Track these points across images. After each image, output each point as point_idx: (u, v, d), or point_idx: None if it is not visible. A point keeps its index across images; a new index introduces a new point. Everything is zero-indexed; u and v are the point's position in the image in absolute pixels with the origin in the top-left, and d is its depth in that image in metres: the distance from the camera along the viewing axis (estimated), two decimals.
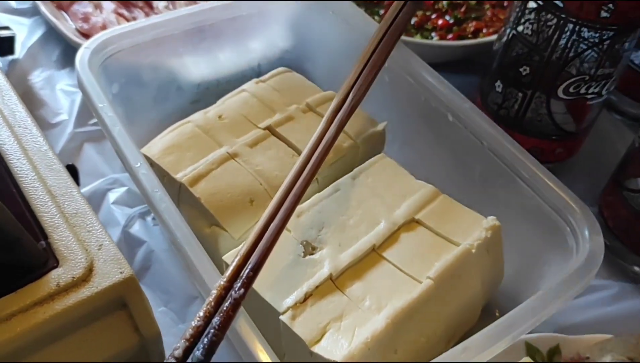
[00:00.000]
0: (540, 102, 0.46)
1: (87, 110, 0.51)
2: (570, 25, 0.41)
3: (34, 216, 0.31)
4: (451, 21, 0.58)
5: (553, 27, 0.42)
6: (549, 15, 0.42)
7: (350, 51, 0.46)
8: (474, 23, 0.58)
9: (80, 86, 0.40)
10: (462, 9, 0.60)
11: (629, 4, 0.40)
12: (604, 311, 0.44)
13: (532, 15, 0.43)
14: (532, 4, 0.43)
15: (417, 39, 0.56)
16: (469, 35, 0.57)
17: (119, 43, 0.43)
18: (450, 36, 0.57)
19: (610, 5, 0.39)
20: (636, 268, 0.45)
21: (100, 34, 0.43)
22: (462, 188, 0.41)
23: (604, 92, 0.45)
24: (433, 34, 0.57)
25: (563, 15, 0.41)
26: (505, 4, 0.62)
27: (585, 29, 0.41)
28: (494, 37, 0.55)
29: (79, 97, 0.52)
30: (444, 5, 0.60)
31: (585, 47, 0.42)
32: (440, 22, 0.58)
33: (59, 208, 0.32)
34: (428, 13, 0.60)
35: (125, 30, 0.44)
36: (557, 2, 0.41)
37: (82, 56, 0.41)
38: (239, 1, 0.48)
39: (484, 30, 0.58)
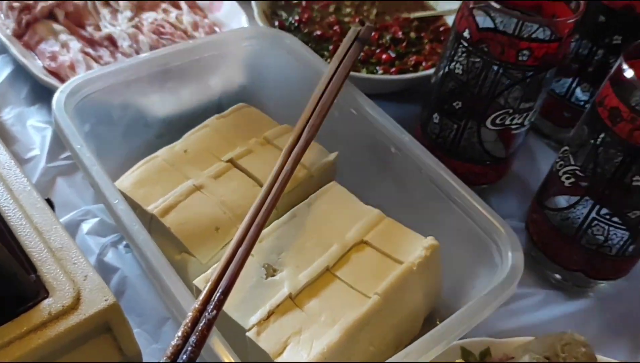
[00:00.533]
0: (472, 132, 0.51)
1: (57, 145, 0.55)
2: (495, 67, 0.47)
3: (23, 252, 0.35)
4: (393, 55, 0.64)
5: (480, 67, 0.48)
6: (476, 58, 0.48)
7: (301, 86, 0.51)
8: (414, 57, 0.64)
9: (58, 128, 0.43)
10: (404, 44, 0.66)
11: (543, 49, 0.46)
12: (530, 316, 0.50)
13: (462, 57, 0.49)
14: (461, 47, 0.49)
15: (363, 73, 0.62)
16: (410, 68, 0.63)
17: (91, 86, 0.47)
18: (393, 69, 0.63)
19: (526, 51, 0.46)
20: (557, 276, 0.51)
21: (74, 78, 0.46)
22: (404, 211, 0.47)
23: (526, 122, 0.51)
24: (378, 67, 0.63)
25: (488, 58, 0.47)
26: (442, 38, 0.68)
27: (508, 70, 0.47)
28: (432, 70, 0.61)
29: (49, 133, 0.56)
30: (387, 41, 0.66)
31: (509, 84, 0.48)
32: (384, 56, 0.64)
33: (46, 243, 0.36)
34: (373, 48, 0.65)
35: (97, 74, 0.48)
36: (482, 47, 0.47)
37: (58, 100, 0.45)
38: (201, 44, 0.52)
39: (423, 64, 0.64)
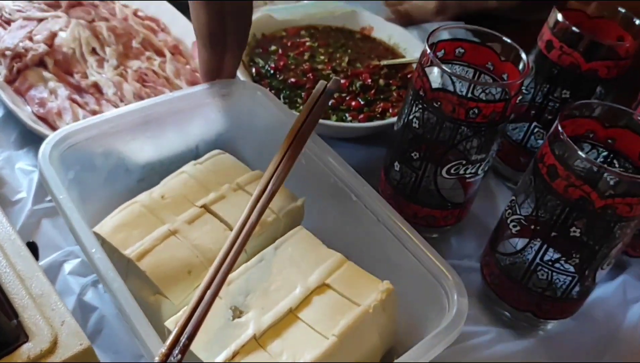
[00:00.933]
0: (429, 180, 0.55)
1: (43, 188, 0.58)
2: (447, 123, 0.51)
3: (7, 299, 0.38)
4: (362, 102, 0.69)
5: (434, 122, 0.52)
6: (431, 114, 0.52)
7: (273, 134, 0.55)
8: (381, 104, 0.69)
9: (42, 178, 0.47)
10: (372, 91, 0.70)
11: (490, 107, 0.50)
12: (483, 353, 0.53)
13: (418, 111, 0.53)
14: (417, 102, 0.53)
15: (333, 120, 0.66)
16: (377, 115, 0.68)
17: (75, 137, 0.51)
18: (361, 116, 0.67)
19: (475, 110, 0.50)
20: (507, 314, 0.55)
21: (59, 130, 0.50)
22: (364, 255, 0.50)
23: (480, 171, 0.55)
24: (347, 114, 0.67)
25: (441, 115, 0.51)
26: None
27: (460, 126, 0.51)
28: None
29: (36, 176, 0.59)
30: (357, 88, 0.70)
31: (461, 138, 0.52)
32: (353, 103, 0.68)
33: (27, 290, 0.39)
34: (344, 95, 0.69)
35: (81, 126, 0.51)
36: (435, 104, 0.51)
37: (43, 151, 0.48)
38: (179, 96, 0.56)
39: (390, 110, 0.68)
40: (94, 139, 0.52)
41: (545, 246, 0.48)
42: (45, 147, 0.49)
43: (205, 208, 0.53)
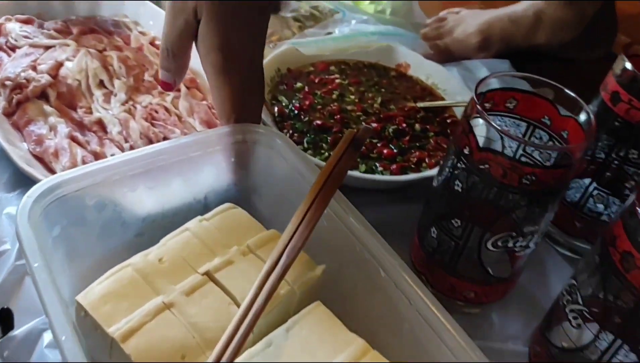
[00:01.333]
0: (472, 252, 0.47)
1: None
2: (495, 189, 0.43)
3: None
4: (395, 150, 0.61)
5: (480, 188, 0.44)
6: (476, 177, 0.44)
7: (292, 188, 0.49)
8: (417, 153, 0.61)
9: (19, 240, 0.40)
10: (407, 138, 0.62)
11: (549, 175, 0.42)
12: None
13: (462, 174, 0.45)
14: (461, 163, 0.45)
15: (362, 170, 0.58)
16: (412, 166, 0.60)
17: (64, 188, 0.44)
18: (393, 166, 0.59)
19: (531, 176, 0.42)
20: None
21: (44, 181, 0.44)
22: (392, 341, 0.43)
23: (531, 244, 0.47)
24: (377, 163, 0.60)
25: (488, 179, 0.43)
26: (449, 130, 0.65)
27: (510, 193, 0.43)
28: (434, 170, 0.57)
29: None
30: (390, 133, 0.63)
31: (511, 206, 0.44)
32: (385, 151, 0.60)
33: None
34: (374, 141, 0.62)
35: (71, 176, 0.45)
36: (483, 166, 0.43)
37: (23, 207, 0.42)
38: (187, 143, 0.50)
39: (427, 161, 0.60)
40: (86, 190, 0.46)
41: (615, 347, 0.40)
42: (25, 201, 0.43)
43: (209, 275, 0.45)
